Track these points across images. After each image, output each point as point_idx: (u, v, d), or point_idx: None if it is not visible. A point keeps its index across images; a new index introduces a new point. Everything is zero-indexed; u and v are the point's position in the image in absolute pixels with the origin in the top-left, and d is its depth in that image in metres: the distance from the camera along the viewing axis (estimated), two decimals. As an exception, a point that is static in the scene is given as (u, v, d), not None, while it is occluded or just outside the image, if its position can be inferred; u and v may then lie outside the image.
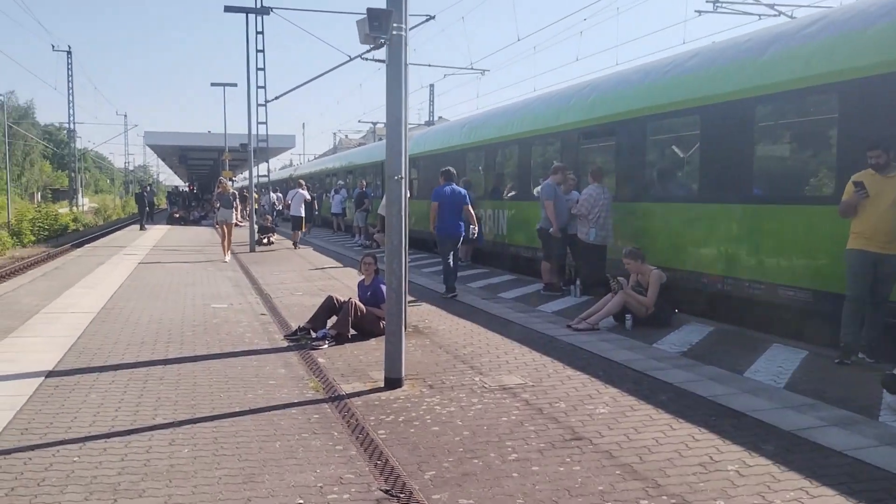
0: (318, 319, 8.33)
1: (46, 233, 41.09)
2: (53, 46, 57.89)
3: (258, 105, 24.25)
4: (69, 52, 58.17)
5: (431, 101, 63.86)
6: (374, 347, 7.71)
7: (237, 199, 20.52)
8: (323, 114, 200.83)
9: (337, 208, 28.28)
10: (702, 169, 9.70)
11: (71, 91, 58.71)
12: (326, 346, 7.77)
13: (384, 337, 8.09)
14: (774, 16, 18.73)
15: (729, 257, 9.19)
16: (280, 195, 35.20)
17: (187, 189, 61.72)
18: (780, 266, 8.47)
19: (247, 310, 10.19)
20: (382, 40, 6.27)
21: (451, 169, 12.11)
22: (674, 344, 7.80)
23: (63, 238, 41.59)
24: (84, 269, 14.94)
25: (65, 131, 71.52)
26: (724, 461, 4.40)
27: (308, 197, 23.31)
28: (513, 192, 15.39)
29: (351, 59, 24.82)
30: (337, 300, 8.40)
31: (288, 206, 23.22)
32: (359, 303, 8.20)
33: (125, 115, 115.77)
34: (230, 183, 20.71)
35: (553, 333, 8.30)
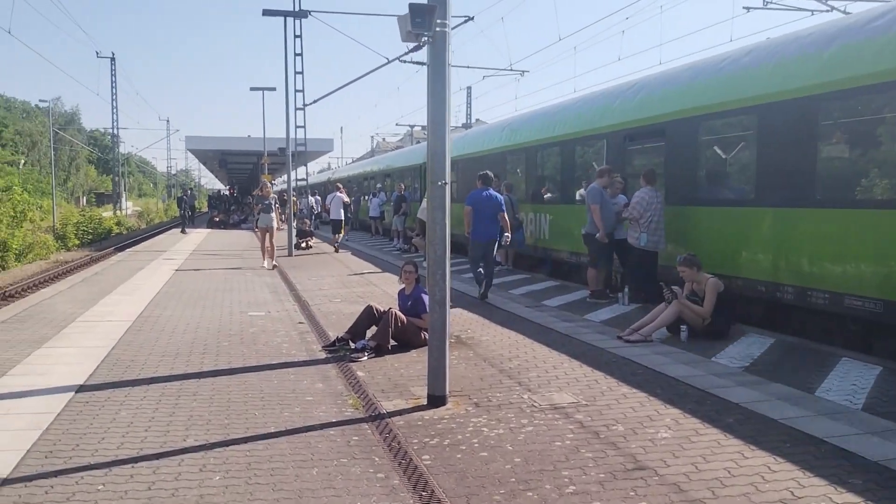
0: (357, 329, 8.02)
1: (90, 236, 41.73)
2: (98, 53, 58.88)
3: (296, 109, 24.17)
4: (112, 59, 59.15)
5: (469, 104, 63.40)
6: (416, 360, 7.37)
7: (277, 203, 19.76)
8: (360, 116, 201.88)
9: (375, 212, 28.06)
10: (759, 171, 9.18)
11: (115, 97, 59.69)
12: (366, 357, 7.45)
13: (425, 348, 7.74)
14: (827, 11, 18.01)
15: (789, 264, 8.66)
16: (318, 198, 35.14)
17: (228, 192, 62.33)
18: (847, 274, 7.93)
19: (284, 318, 9.93)
20: (425, 37, 5.93)
21: (489, 173, 11.97)
22: (734, 358, 7.31)
23: (107, 241, 42.20)
24: (123, 275, 14.89)
25: (109, 136, 72.83)
26: (807, 497, 3.95)
27: (346, 200, 23.17)
28: (555, 196, 14.95)
29: (389, 62, 24.62)
30: (376, 310, 8.08)
31: (327, 210, 23.02)
32: (399, 313, 7.86)
33: (167, 121, 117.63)
34: (271, 185, 19.95)
35: (603, 345, 7.87)
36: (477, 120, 59.91)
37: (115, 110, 59.51)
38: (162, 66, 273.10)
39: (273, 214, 17.41)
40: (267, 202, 17.52)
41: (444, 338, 5.97)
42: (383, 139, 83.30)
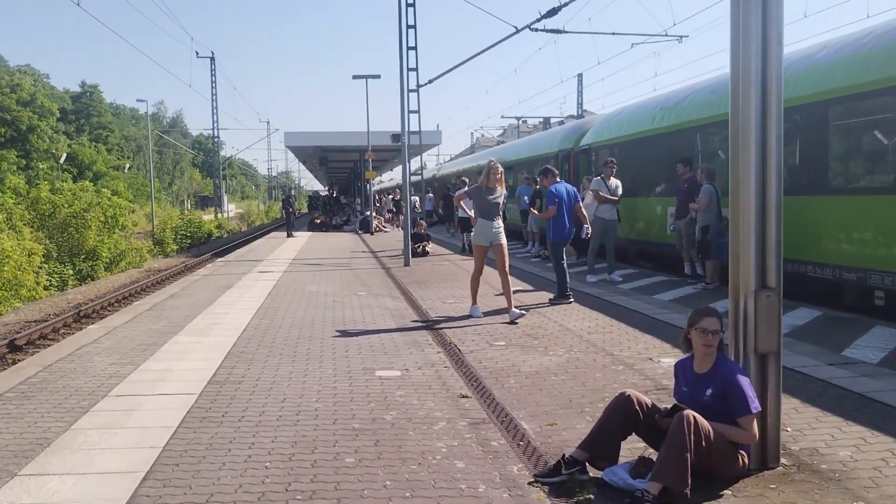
0: (601, 442, 4.09)
1: (189, 241, 39.76)
2: (197, 53, 57.57)
3: (409, 91, 20.53)
4: (212, 58, 57.77)
5: (580, 93, 58.93)
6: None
7: (505, 200, 10.35)
8: (468, 107, 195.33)
9: (497, 210, 24.11)
10: None
11: (215, 97, 58.32)
12: (643, 517, 3.52)
13: (743, 485, 3.83)
14: None
15: None
16: (431, 196, 31.72)
17: (327, 193, 59.92)
18: None
19: (434, 384, 6.15)
20: None
21: (550, 167, 11.22)
22: None
23: (205, 246, 40.16)
24: (204, 298, 11.53)
25: (212, 140, 71.94)
26: None
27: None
28: (795, 183, 10.63)
29: (518, 31, 20.74)
30: (641, 404, 4.11)
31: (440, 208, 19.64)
32: (701, 419, 3.85)
33: (268, 122, 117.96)
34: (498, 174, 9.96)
35: None
36: (585, 111, 55.32)
37: (215, 111, 58.18)
38: (258, 63, 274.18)
39: (499, 222, 9.56)
40: (494, 197, 9.48)
41: None
42: (482, 135, 79.56)
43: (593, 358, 6.99)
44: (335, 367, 6.79)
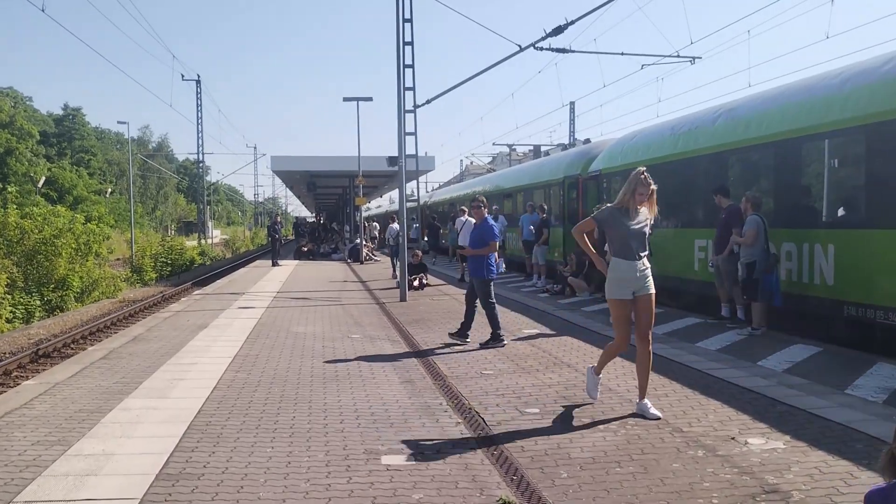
0: None
1: (170, 269, 38.02)
2: (183, 76, 56.12)
3: (405, 111, 19.12)
4: (198, 81, 56.40)
5: (572, 121, 57.89)
6: None
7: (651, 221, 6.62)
8: (461, 133, 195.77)
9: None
10: None
11: (200, 121, 56.85)
12: None
13: None
14: None
15: None
16: (417, 225, 30.25)
17: (315, 219, 58.39)
18: None
19: (459, 476, 4.60)
20: None
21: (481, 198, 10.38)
22: None
23: (187, 274, 38.43)
24: (173, 341, 9.92)
25: (198, 164, 70.16)
26: None
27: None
28: (848, 214, 9.24)
29: (522, 50, 19.46)
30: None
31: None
32: None
33: (255, 147, 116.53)
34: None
35: None
36: (577, 140, 54.28)
37: (200, 135, 56.69)
38: (246, 86, 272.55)
39: (646, 261, 6.23)
40: (639, 224, 6.15)
41: None
42: (472, 162, 78.53)
43: (659, 436, 5.45)
44: (328, 448, 5.21)
